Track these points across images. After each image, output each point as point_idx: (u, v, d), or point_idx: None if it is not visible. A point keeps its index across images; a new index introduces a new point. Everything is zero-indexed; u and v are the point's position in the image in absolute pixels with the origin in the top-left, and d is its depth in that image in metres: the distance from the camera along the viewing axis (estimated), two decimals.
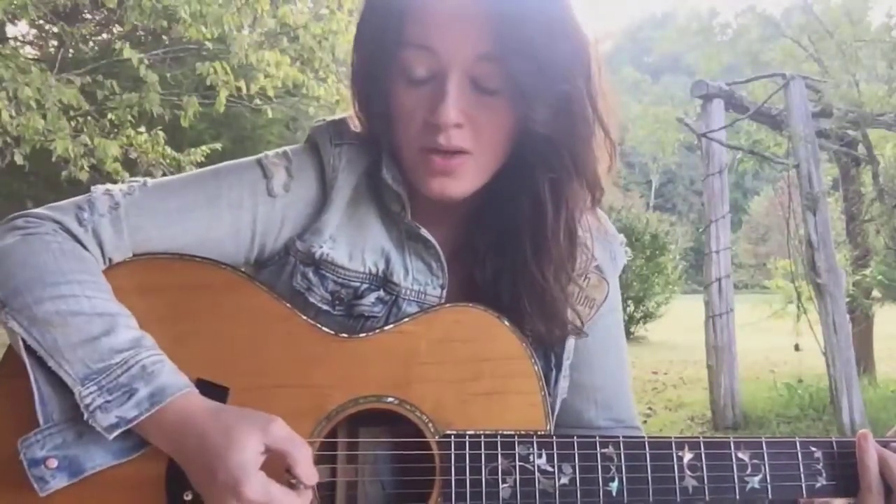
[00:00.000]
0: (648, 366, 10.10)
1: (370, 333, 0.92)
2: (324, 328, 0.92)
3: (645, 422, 6.67)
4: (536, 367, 0.92)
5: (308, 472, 0.82)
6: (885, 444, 0.93)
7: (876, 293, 7.69)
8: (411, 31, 0.88)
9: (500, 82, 0.88)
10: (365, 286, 0.97)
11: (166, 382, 0.83)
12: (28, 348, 0.82)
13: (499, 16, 0.86)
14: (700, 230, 7.63)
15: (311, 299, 0.96)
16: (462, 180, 0.93)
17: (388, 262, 0.98)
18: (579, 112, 0.91)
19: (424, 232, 0.97)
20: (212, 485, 0.79)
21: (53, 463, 0.81)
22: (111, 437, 0.81)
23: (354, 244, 0.97)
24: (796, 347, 9.24)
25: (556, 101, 0.88)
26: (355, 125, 1.00)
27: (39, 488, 0.80)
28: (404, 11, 0.89)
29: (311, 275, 0.96)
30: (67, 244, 0.88)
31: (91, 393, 0.80)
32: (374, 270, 0.97)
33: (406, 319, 0.93)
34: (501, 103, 0.90)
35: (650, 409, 7.30)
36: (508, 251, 0.97)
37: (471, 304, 0.94)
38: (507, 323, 0.93)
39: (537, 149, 0.92)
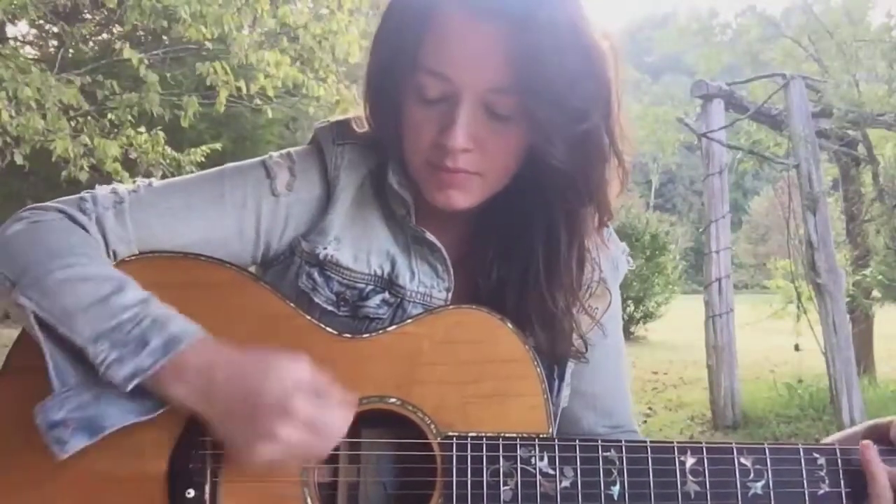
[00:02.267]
0: (648, 366, 10.10)
1: (373, 334, 0.93)
2: (327, 328, 0.92)
3: (645, 422, 6.67)
4: (539, 370, 0.92)
5: (343, 395, 0.83)
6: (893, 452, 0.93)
7: (876, 293, 7.69)
8: (428, 57, 0.87)
9: (513, 111, 0.88)
10: (370, 288, 0.97)
11: (178, 330, 0.83)
12: (40, 322, 0.82)
13: (519, 52, 0.84)
14: (700, 230, 7.64)
15: (316, 300, 0.96)
16: (468, 194, 0.93)
17: (393, 264, 0.98)
18: (596, 147, 0.90)
19: (430, 236, 0.97)
20: (254, 414, 0.79)
21: (71, 424, 0.80)
22: (128, 388, 0.80)
23: (359, 246, 0.97)
24: (796, 347, 9.23)
25: (573, 138, 0.87)
26: (360, 126, 1.00)
27: (58, 450, 0.79)
28: (423, 36, 0.87)
29: (316, 275, 0.97)
30: (75, 227, 0.89)
31: (104, 350, 0.80)
32: (379, 273, 0.98)
33: (409, 321, 0.93)
34: (512, 129, 0.89)
35: (650, 409, 7.30)
36: (517, 267, 0.98)
37: (474, 307, 0.94)
38: (509, 325, 0.93)
39: (553, 179, 0.91)
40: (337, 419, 0.82)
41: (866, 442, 0.92)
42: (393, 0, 0.93)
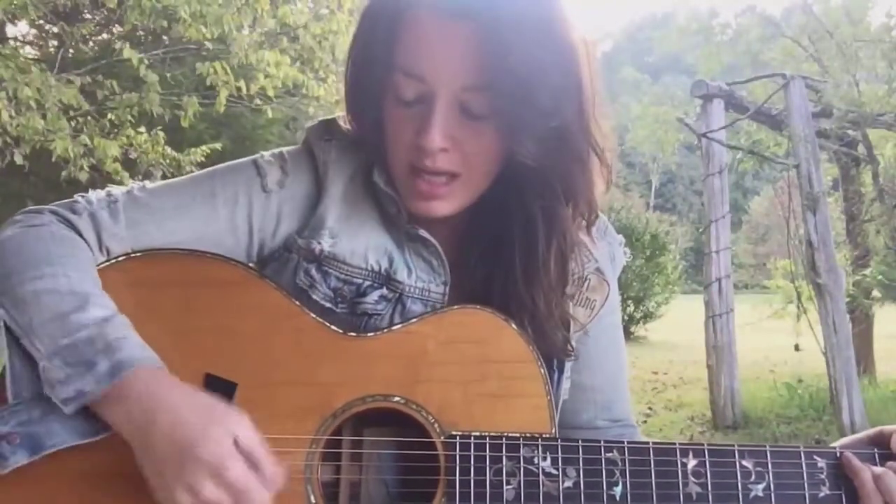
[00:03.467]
0: (648, 366, 10.10)
1: (378, 333, 0.93)
2: (332, 326, 0.92)
3: (645, 422, 6.67)
4: (543, 371, 0.93)
5: (275, 471, 0.81)
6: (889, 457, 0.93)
7: (876, 293, 7.69)
8: (401, 57, 0.89)
9: (488, 109, 0.88)
10: (367, 283, 0.98)
11: (128, 356, 0.82)
12: (9, 330, 0.83)
13: (488, 48, 0.85)
14: (700, 230, 7.63)
15: (315, 296, 0.97)
16: (448, 202, 0.94)
17: (391, 260, 0.99)
18: (570, 144, 0.91)
19: (423, 232, 0.98)
20: (185, 463, 0.77)
21: (16, 439, 0.81)
22: (68, 410, 0.80)
23: (356, 242, 0.98)
24: (796, 347, 9.25)
25: (546, 135, 0.88)
26: (347, 123, 1.02)
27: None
28: (395, 37, 0.89)
29: (313, 271, 0.97)
30: (63, 233, 0.90)
31: (55, 367, 0.81)
32: (376, 268, 0.98)
33: (414, 320, 0.94)
34: (489, 128, 0.90)
35: (650, 409, 7.30)
36: (500, 266, 0.98)
37: (479, 307, 0.94)
38: (514, 326, 0.94)
39: (528, 177, 0.92)
40: (261, 494, 0.80)
41: (845, 453, 0.93)
42: (368, 2, 0.94)
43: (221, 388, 0.88)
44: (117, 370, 0.81)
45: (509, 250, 0.97)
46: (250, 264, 0.97)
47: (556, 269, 0.97)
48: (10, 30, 8.44)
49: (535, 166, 0.89)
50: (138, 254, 0.93)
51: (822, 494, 0.92)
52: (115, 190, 0.96)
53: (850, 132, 7.00)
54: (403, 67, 0.89)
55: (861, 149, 7.07)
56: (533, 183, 0.93)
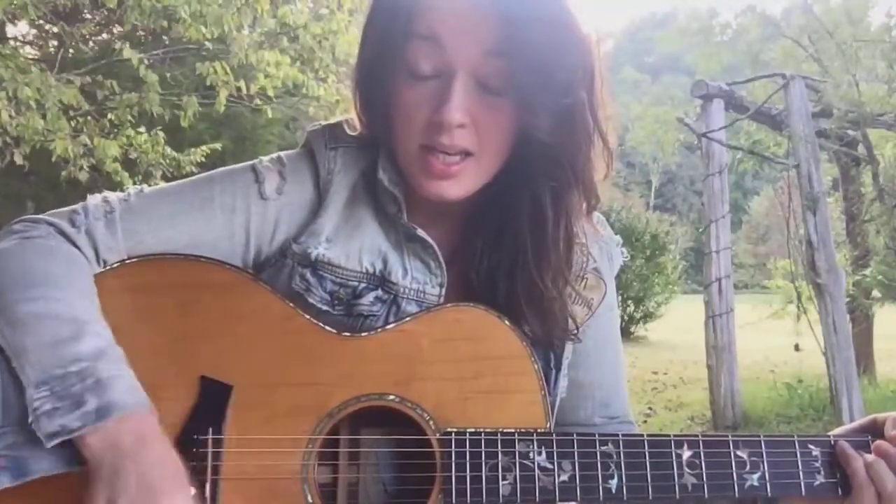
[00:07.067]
0: (648, 366, 10.10)
1: (372, 332, 0.93)
2: (326, 327, 0.92)
3: (645, 422, 6.67)
4: (536, 366, 0.93)
5: None
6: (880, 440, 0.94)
7: (876, 293, 7.69)
8: (419, 22, 0.89)
9: (505, 83, 0.89)
10: (363, 286, 0.98)
11: (117, 399, 0.81)
12: (0, 350, 0.82)
13: (507, 14, 0.86)
14: (700, 230, 7.63)
15: (311, 300, 0.97)
16: (461, 183, 0.93)
17: (385, 262, 0.98)
18: (580, 123, 0.91)
19: (421, 232, 0.98)
20: None
21: (2, 462, 0.80)
22: (49, 445, 0.79)
23: (351, 245, 0.98)
24: (796, 347, 9.26)
25: (559, 111, 0.89)
26: (352, 128, 1.01)
27: None
28: (414, 5, 0.89)
29: (309, 276, 0.97)
30: (61, 247, 0.89)
31: (42, 397, 0.79)
32: (371, 270, 0.98)
33: (408, 318, 0.94)
34: (505, 105, 0.90)
35: (650, 409, 7.30)
36: (505, 253, 0.98)
37: (472, 304, 0.94)
38: (507, 323, 0.94)
39: (539, 156, 0.92)
40: None
41: (840, 442, 0.94)
42: None
43: (217, 390, 0.88)
44: (104, 412, 0.80)
45: (515, 236, 0.97)
46: (247, 269, 0.97)
47: (564, 250, 0.98)
48: (10, 30, 8.45)
49: (547, 142, 0.90)
50: (133, 259, 0.93)
51: (817, 483, 0.93)
52: (112, 197, 0.96)
53: (850, 132, 6.99)
54: (421, 31, 0.88)
55: (861, 149, 7.07)
56: (542, 163, 0.93)
